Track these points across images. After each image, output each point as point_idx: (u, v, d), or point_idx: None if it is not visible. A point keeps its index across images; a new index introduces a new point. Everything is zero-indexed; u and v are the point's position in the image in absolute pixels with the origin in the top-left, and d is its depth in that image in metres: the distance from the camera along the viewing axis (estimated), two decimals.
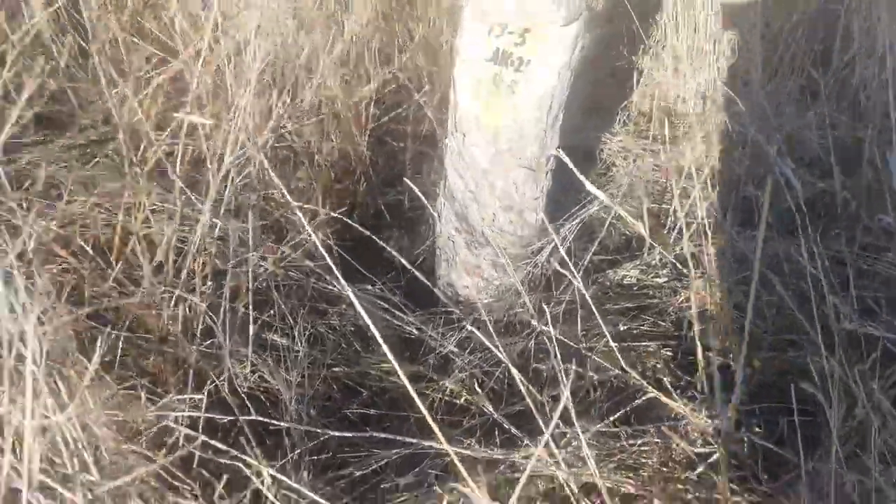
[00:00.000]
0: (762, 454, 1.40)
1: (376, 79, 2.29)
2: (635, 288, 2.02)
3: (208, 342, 1.42)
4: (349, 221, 1.64)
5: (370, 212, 2.22)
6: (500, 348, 1.19)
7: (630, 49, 2.96)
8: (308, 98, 2.09)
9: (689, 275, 1.91)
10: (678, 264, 1.97)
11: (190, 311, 1.36)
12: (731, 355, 1.75)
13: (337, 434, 1.21)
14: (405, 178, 2.28)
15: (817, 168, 2.45)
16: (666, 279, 1.93)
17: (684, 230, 1.72)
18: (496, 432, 1.44)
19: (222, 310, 1.30)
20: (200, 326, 1.34)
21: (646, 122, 2.83)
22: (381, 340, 1.05)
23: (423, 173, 2.40)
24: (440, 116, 2.56)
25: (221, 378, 1.29)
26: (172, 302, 1.32)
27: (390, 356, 0.91)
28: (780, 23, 2.89)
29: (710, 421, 1.40)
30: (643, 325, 1.86)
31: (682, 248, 2.03)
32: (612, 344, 1.72)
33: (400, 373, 0.97)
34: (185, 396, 1.16)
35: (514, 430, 1.33)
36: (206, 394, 1.21)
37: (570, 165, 1.48)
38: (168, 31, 2.34)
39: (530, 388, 1.22)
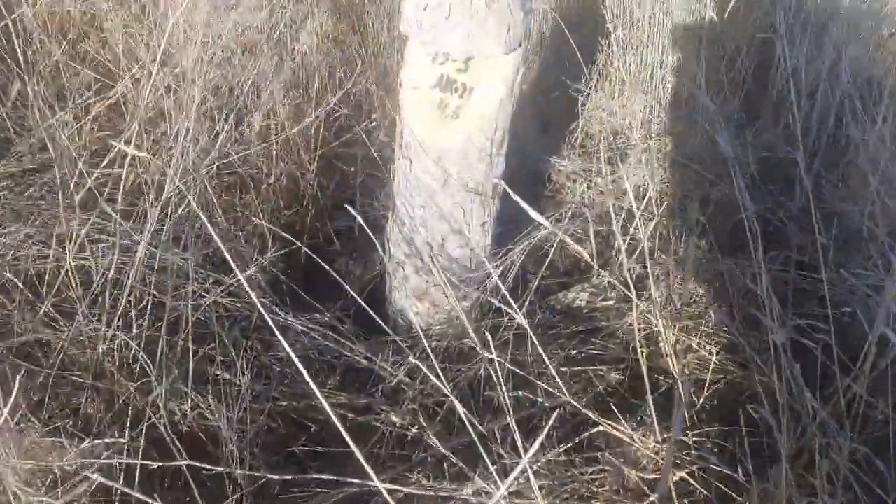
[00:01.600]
0: (715, 477, 1.42)
1: (325, 103, 2.27)
2: (585, 311, 2.03)
3: (146, 379, 1.36)
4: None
5: (320, 238, 2.18)
6: (445, 383, 1.17)
7: (577, 73, 3.01)
8: (256, 124, 2.06)
9: (633, 298, 1.94)
10: (622, 287, 2.00)
11: (127, 347, 1.30)
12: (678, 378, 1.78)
13: (278, 478, 1.17)
14: (353, 204, 2.27)
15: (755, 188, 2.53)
16: (614, 301, 1.95)
17: (623, 254, 1.73)
18: (446, 465, 1.42)
19: (160, 344, 1.25)
20: (138, 363, 1.29)
21: (593, 144, 2.87)
22: (307, 377, 1.03)
23: (373, 198, 2.38)
24: (390, 140, 2.55)
25: (158, 415, 1.24)
26: (108, 337, 1.27)
27: (318, 395, 0.88)
28: (727, 43, 3.00)
29: (658, 446, 1.41)
30: (593, 349, 1.87)
31: (628, 271, 2.06)
32: (562, 369, 1.72)
33: (329, 410, 0.94)
34: (118, 440, 1.11)
35: (461, 465, 1.31)
36: (142, 434, 1.16)
37: (512, 194, 1.48)
38: (111, 54, 2.29)
39: (474, 422, 1.20)
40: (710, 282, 2.00)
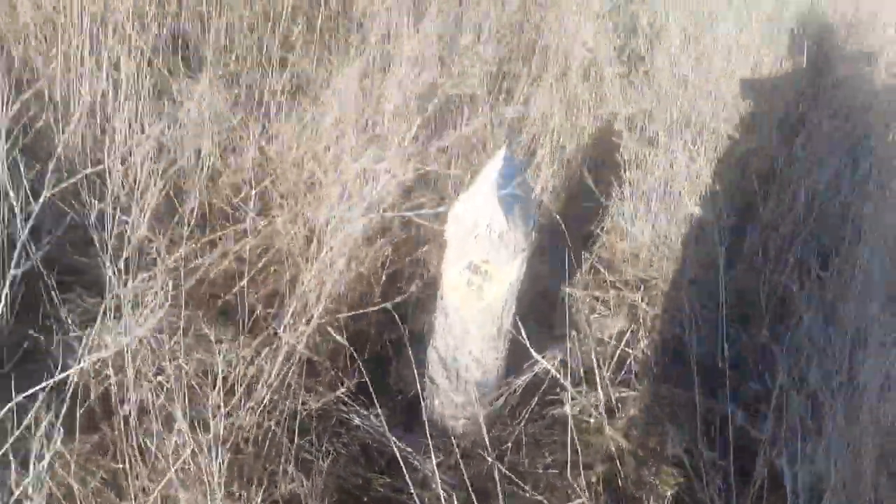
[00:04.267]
0: None
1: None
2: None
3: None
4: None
5: (377, 347, 2.89)
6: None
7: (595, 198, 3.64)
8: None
9: (612, 416, 2.58)
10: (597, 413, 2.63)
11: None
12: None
13: None
14: (406, 318, 2.95)
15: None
16: (594, 419, 2.58)
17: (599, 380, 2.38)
18: None
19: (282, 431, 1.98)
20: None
21: (605, 268, 3.51)
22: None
23: (425, 311, 3.08)
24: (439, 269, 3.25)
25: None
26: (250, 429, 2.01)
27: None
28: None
29: None
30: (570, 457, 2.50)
31: (611, 394, 2.70)
32: (546, 472, 2.37)
33: None
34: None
35: None
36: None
37: (526, 343, 2.16)
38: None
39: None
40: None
